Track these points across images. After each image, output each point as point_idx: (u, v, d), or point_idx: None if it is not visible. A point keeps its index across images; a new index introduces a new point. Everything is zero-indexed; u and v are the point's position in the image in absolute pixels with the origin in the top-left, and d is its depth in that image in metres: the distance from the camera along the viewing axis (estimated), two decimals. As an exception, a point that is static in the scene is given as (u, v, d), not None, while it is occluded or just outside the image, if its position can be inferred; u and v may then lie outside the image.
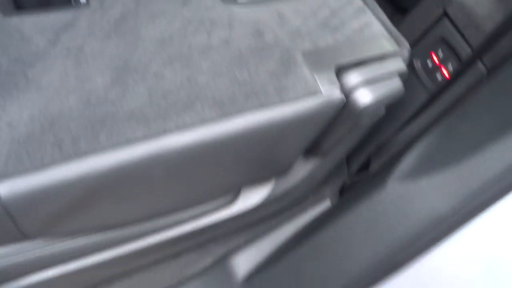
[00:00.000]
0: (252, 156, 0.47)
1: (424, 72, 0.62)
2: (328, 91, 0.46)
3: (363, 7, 0.56)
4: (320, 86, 0.46)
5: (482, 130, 0.47)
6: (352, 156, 0.73)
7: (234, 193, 0.58)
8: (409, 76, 0.61)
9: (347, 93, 0.48)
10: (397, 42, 0.53)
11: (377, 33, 0.53)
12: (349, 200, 0.56)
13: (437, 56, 0.61)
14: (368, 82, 0.49)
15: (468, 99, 0.52)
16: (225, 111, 0.42)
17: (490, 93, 0.50)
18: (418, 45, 0.64)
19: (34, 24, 0.43)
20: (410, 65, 0.62)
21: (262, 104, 0.43)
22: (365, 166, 0.70)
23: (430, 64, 0.61)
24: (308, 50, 0.49)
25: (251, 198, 0.58)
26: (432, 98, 0.61)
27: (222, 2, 0.51)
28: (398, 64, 0.51)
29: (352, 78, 0.48)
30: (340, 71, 0.48)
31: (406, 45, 0.54)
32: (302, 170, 0.60)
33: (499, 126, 0.45)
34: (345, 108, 0.49)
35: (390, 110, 0.65)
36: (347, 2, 0.55)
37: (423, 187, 0.48)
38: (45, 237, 0.45)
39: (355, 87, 0.48)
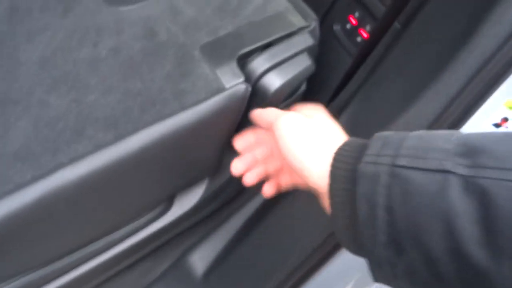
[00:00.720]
0: (167, 167, 0.45)
1: (345, 36, 0.59)
2: (231, 85, 0.43)
3: None
4: (223, 82, 0.43)
5: (395, 95, 0.46)
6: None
7: (169, 200, 0.56)
8: (332, 44, 0.59)
9: (254, 81, 0.46)
10: (304, 16, 0.50)
11: (280, 9, 0.50)
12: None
13: (354, 18, 0.58)
14: (275, 65, 0.46)
15: (384, 61, 0.51)
16: (120, 130, 0.39)
17: (401, 52, 0.48)
18: (334, 10, 0.60)
19: None
20: (330, 31, 0.59)
21: (161, 115, 0.40)
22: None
23: (349, 27, 0.58)
24: (207, 42, 0.45)
25: (186, 201, 0.57)
26: (356, 62, 0.59)
27: (107, 3, 0.46)
28: (305, 40, 0.49)
29: (257, 65, 0.46)
30: (243, 60, 0.46)
31: (313, 17, 0.51)
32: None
33: (409, 89, 0.44)
34: (255, 97, 0.47)
35: (320, 81, 0.63)
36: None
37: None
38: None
39: (261, 74, 0.46)
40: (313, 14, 0.51)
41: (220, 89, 0.43)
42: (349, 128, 0.50)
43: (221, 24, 0.47)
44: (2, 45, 0.42)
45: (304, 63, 0.48)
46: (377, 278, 0.31)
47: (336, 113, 0.53)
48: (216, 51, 0.45)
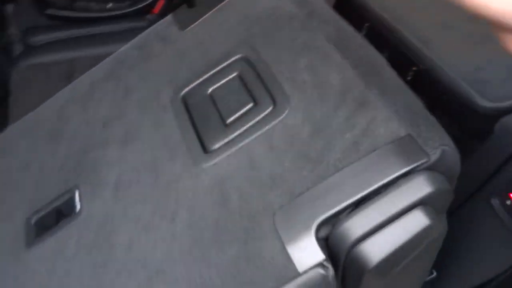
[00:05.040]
0: None
1: (505, 212, 0.54)
2: (306, 269, 0.34)
3: (364, 97, 0.40)
4: (296, 265, 0.34)
5: None
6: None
7: None
8: (489, 218, 0.56)
9: (344, 254, 0.35)
10: (423, 146, 0.36)
11: (383, 142, 0.37)
12: None
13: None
14: (370, 232, 0.34)
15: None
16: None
17: None
18: (493, 183, 0.57)
19: (39, 254, 0.47)
20: (487, 203, 0.55)
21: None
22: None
23: (509, 203, 0.54)
24: (282, 207, 0.38)
25: None
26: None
27: (192, 161, 0.45)
28: (418, 188, 0.34)
29: (345, 232, 0.35)
30: (324, 228, 0.36)
31: (438, 151, 0.35)
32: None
33: None
34: (349, 272, 0.36)
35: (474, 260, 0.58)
36: (339, 99, 0.41)
37: None
38: None
39: (351, 245, 0.34)
40: (442, 147, 0.35)
41: (291, 276, 0.34)
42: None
43: (300, 178, 0.38)
44: (106, 227, 0.45)
45: (418, 222, 0.34)
46: None
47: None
48: (290, 219, 0.36)
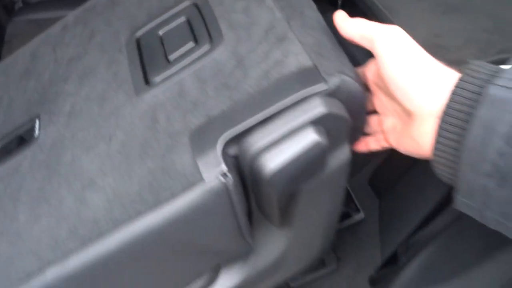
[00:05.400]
0: (165, 259, 0.44)
1: None
2: (210, 178, 0.38)
3: (284, 34, 0.44)
4: (201, 173, 0.39)
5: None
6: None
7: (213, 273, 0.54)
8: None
9: (248, 166, 0.39)
10: (325, 75, 0.39)
11: (290, 71, 0.40)
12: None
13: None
14: (266, 147, 0.38)
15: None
16: (101, 229, 0.41)
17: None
18: None
19: None
20: None
21: (137, 214, 0.40)
22: (395, 260, 0.62)
23: None
24: (198, 127, 0.42)
25: (230, 276, 0.53)
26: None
27: (135, 92, 0.49)
28: (311, 109, 0.38)
29: (245, 150, 0.39)
30: (233, 146, 0.40)
31: (336, 79, 0.39)
32: (277, 242, 0.51)
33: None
34: (255, 185, 0.40)
35: (416, 200, 0.62)
36: (262, 37, 0.45)
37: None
38: None
39: (252, 157, 0.39)
40: (339, 75, 0.39)
41: (197, 181, 0.39)
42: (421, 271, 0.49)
43: (217, 102, 0.42)
44: (52, 149, 0.50)
45: (308, 140, 0.38)
46: (460, 206, 0.31)
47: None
48: (204, 136, 0.41)
